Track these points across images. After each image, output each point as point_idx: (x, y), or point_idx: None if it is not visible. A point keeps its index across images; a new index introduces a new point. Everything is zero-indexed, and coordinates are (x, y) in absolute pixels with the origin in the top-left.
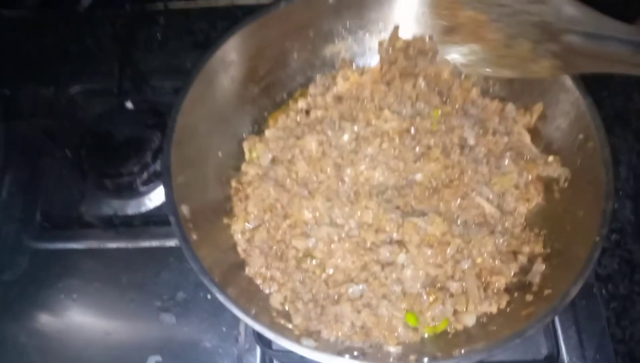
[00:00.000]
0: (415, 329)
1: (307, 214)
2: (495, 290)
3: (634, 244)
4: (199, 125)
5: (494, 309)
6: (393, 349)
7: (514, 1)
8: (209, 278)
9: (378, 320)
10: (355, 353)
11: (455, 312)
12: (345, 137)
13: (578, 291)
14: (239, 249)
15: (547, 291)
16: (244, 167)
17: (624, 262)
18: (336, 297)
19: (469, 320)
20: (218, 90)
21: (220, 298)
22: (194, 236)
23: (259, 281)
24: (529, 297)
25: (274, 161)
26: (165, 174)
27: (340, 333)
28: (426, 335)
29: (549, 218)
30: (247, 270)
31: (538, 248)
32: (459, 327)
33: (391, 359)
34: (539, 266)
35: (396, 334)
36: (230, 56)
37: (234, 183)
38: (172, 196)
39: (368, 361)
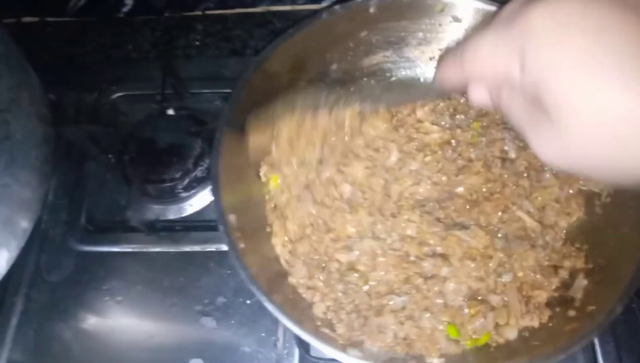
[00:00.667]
0: (457, 341)
1: (350, 229)
2: (536, 304)
3: None
4: (242, 135)
5: (535, 323)
6: (436, 361)
7: None
8: (256, 286)
9: (420, 331)
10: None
11: (496, 325)
12: (393, 158)
13: (622, 309)
14: (282, 260)
15: (590, 308)
16: (268, 197)
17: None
18: (379, 308)
19: (511, 334)
20: (261, 101)
21: (268, 306)
22: (242, 245)
23: (301, 290)
24: (572, 313)
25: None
26: (214, 183)
27: (383, 344)
28: (468, 348)
29: (591, 233)
30: (290, 279)
31: (580, 263)
32: (501, 340)
33: None
34: (581, 282)
35: (438, 346)
36: (274, 68)
37: (268, 203)
38: (221, 204)
39: None
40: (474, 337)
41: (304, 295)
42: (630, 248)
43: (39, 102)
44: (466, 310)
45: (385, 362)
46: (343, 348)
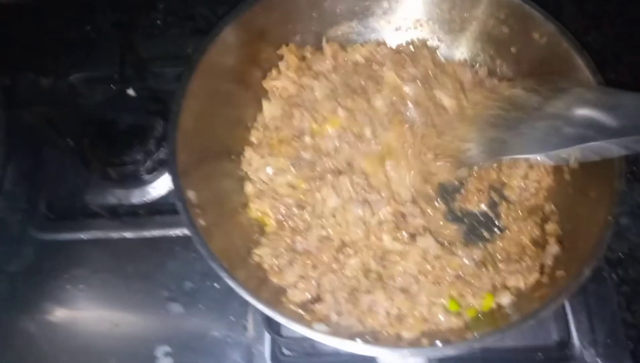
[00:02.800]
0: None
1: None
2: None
3: None
4: (202, 110)
5: (521, 284)
6: (406, 333)
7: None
8: (217, 263)
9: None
10: (368, 337)
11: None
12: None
13: (590, 272)
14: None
15: (559, 272)
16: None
17: (634, 246)
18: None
19: (504, 299)
20: (220, 75)
21: (230, 282)
22: (202, 222)
23: (266, 266)
24: (542, 279)
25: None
26: (171, 159)
27: (375, 322)
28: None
29: (561, 200)
30: (255, 257)
31: (551, 229)
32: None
33: (404, 343)
34: (553, 248)
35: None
36: (232, 40)
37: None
38: (179, 181)
39: (381, 345)
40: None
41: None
42: (598, 212)
43: None
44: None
45: (353, 335)
46: (309, 324)
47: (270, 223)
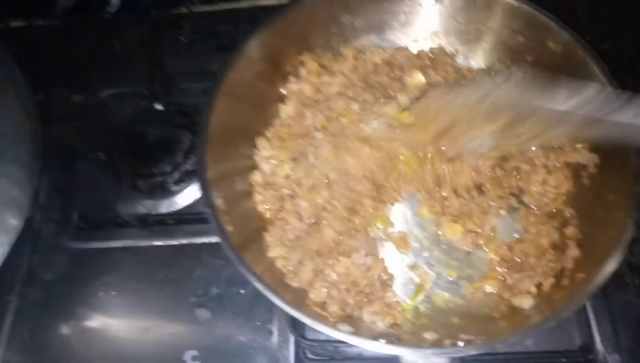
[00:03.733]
0: None
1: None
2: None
3: None
4: (227, 122)
5: (533, 289)
6: (428, 335)
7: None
8: (246, 267)
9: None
10: (392, 338)
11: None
12: None
13: (611, 275)
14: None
15: (580, 275)
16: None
17: None
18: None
19: (526, 303)
20: (245, 86)
21: (258, 286)
22: (230, 228)
23: (281, 266)
24: (563, 282)
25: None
26: (200, 169)
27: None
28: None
29: (579, 204)
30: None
31: (571, 233)
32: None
33: (427, 344)
34: (573, 251)
35: None
36: (254, 55)
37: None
38: (208, 190)
39: (404, 346)
40: None
41: (293, 283)
42: (617, 215)
43: (25, 98)
44: None
45: (377, 336)
46: (334, 325)
47: (270, 214)
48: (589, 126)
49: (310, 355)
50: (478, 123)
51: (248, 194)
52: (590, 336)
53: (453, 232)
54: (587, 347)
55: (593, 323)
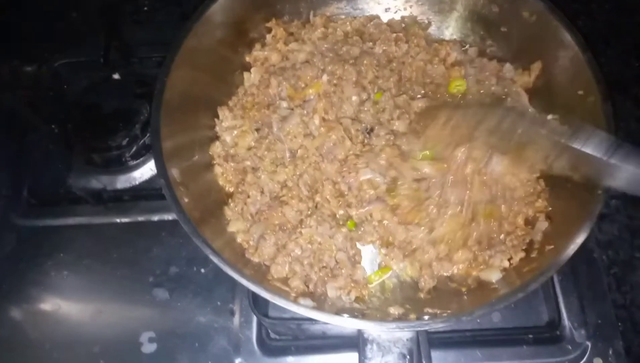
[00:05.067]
0: None
1: None
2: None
3: (633, 210)
4: (186, 89)
5: (505, 264)
6: (394, 310)
7: None
8: (203, 240)
9: None
10: (356, 313)
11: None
12: None
13: (578, 248)
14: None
15: (548, 247)
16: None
17: (624, 228)
18: None
19: (494, 276)
20: (206, 54)
21: (215, 260)
22: (187, 201)
23: (241, 241)
24: (532, 254)
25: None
26: (155, 137)
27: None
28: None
29: (550, 177)
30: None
31: (541, 206)
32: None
33: (391, 318)
34: (542, 224)
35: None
36: (219, 18)
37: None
38: (162, 159)
39: (367, 320)
40: None
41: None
42: (588, 187)
43: None
44: None
45: (340, 310)
46: (294, 300)
47: (231, 187)
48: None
49: (273, 335)
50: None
51: (208, 166)
52: (558, 312)
53: None
54: (554, 323)
55: (560, 299)
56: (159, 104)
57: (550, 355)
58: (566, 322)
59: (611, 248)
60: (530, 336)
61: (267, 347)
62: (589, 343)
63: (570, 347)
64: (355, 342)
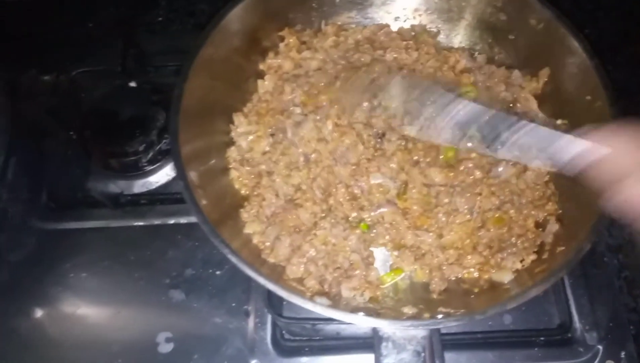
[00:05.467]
0: None
1: None
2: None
3: None
4: (202, 96)
5: (517, 265)
6: (407, 309)
7: None
8: (220, 240)
9: None
10: (371, 312)
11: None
12: None
13: (589, 252)
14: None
15: (559, 249)
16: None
17: (634, 232)
18: None
19: (506, 277)
20: (222, 61)
21: (234, 259)
22: (204, 202)
23: (257, 242)
24: (543, 256)
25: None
26: (174, 141)
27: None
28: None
29: (560, 179)
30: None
31: (552, 208)
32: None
33: (405, 317)
34: (553, 226)
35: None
36: (234, 27)
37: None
38: (181, 162)
39: (382, 318)
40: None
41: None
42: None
43: None
44: None
45: (355, 309)
46: (311, 298)
47: (247, 190)
48: None
49: (287, 336)
50: None
51: (224, 170)
52: (569, 315)
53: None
54: (565, 326)
55: (571, 302)
56: (177, 109)
57: (561, 358)
58: (577, 324)
59: (622, 252)
60: (542, 338)
61: (282, 347)
62: (600, 347)
63: (581, 350)
64: (369, 343)
